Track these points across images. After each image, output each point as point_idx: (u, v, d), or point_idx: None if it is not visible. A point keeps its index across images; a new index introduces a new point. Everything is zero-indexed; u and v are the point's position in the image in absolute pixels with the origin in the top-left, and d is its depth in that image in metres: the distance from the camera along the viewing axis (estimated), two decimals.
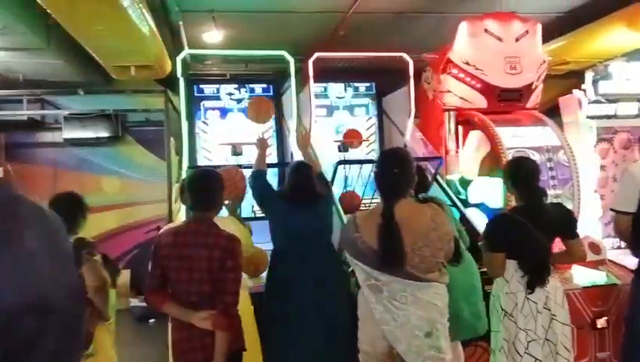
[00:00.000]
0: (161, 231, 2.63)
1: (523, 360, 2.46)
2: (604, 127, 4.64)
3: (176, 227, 2.48)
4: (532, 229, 2.49)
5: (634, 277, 2.85)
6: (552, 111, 4.93)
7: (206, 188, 2.38)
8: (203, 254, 2.27)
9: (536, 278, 2.49)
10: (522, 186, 2.66)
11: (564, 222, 2.63)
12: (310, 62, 4.65)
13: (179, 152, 6.07)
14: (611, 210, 2.94)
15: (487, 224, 2.75)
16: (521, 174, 2.67)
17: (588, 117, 4.58)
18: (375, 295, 2.19)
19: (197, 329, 2.27)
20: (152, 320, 5.80)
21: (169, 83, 5.89)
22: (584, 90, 4.62)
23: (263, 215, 5.21)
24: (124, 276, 6.13)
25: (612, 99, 4.67)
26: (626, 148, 4.68)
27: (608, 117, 4.66)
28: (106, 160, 6.93)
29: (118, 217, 6.96)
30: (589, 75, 4.61)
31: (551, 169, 4.35)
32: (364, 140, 5.52)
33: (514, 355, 2.49)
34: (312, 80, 4.70)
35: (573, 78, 5.86)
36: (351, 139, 4.94)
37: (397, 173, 2.21)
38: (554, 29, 5.32)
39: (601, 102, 4.64)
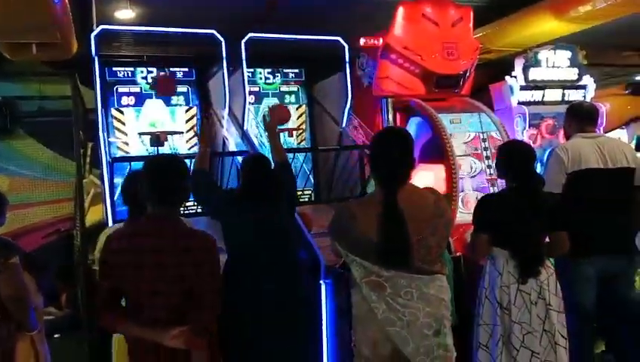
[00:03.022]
0: (109, 233, 2.17)
1: (519, 354, 2.35)
2: (532, 113, 4.79)
3: (130, 228, 2.05)
4: (523, 212, 2.39)
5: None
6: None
7: (172, 176, 1.96)
8: (171, 259, 1.88)
9: (528, 268, 2.39)
10: (518, 170, 2.53)
11: (556, 211, 2.53)
12: (243, 43, 4.29)
13: (83, 145, 5.39)
14: None
15: (476, 203, 2.64)
16: (517, 157, 2.55)
17: (519, 103, 4.69)
18: (376, 293, 1.95)
19: (166, 351, 1.88)
20: (56, 335, 5.13)
21: (69, 67, 5.17)
22: (515, 77, 4.73)
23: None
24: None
25: (540, 86, 4.83)
26: (552, 134, 4.88)
27: (536, 103, 4.81)
28: None
29: (9, 221, 6.02)
30: (519, 62, 4.72)
31: (487, 158, 4.37)
32: (296, 129, 5.29)
33: (510, 350, 2.37)
34: (244, 63, 4.34)
35: (488, 68, 6.02)
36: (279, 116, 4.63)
37: (400, 155, 1.99)
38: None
39: (530, 88, 4.78)
